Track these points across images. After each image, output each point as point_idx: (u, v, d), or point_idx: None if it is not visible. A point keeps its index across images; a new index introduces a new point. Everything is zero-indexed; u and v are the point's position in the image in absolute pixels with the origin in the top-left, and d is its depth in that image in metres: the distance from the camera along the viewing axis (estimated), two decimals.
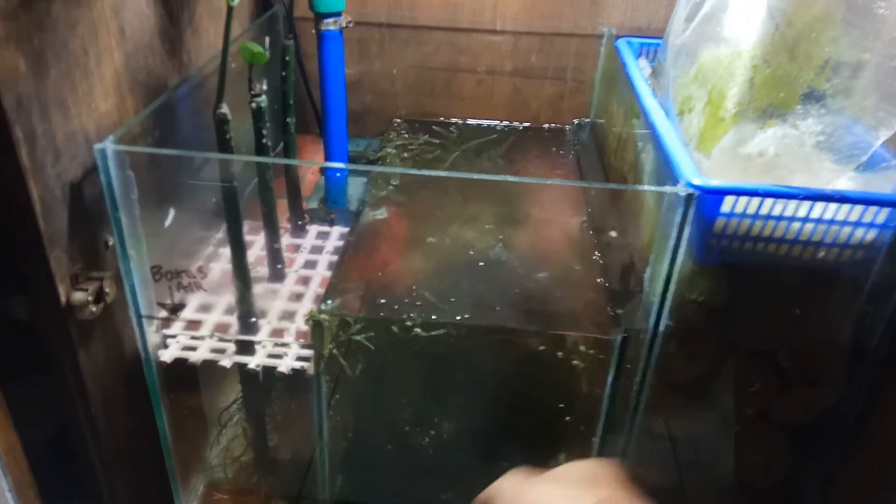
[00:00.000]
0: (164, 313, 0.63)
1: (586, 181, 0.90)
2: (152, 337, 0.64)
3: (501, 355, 0.65)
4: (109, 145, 0.54)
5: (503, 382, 0.67)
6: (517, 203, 0.83)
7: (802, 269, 0.58)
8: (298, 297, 0.72)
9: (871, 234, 0.55)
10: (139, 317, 0.63)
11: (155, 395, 0.68)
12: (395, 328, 0.64)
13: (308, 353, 0.67)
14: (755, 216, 0.55)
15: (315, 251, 0.80)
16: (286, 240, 0.81)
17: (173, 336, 0.68)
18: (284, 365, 0.67)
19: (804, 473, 0.67)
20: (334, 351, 0.66)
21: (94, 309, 0.56)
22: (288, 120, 0.78)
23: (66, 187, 0.54)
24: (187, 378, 0.72)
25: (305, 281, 0.75)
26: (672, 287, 0.57)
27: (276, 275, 0.74)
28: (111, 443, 0.65)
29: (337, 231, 0.84)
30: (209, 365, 0.69)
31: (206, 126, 0.60)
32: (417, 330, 0.63)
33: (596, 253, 0.72)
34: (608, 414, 0.66)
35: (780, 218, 0.55)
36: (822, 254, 0.56)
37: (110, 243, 0.61)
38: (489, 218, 0.81)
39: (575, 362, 0.63)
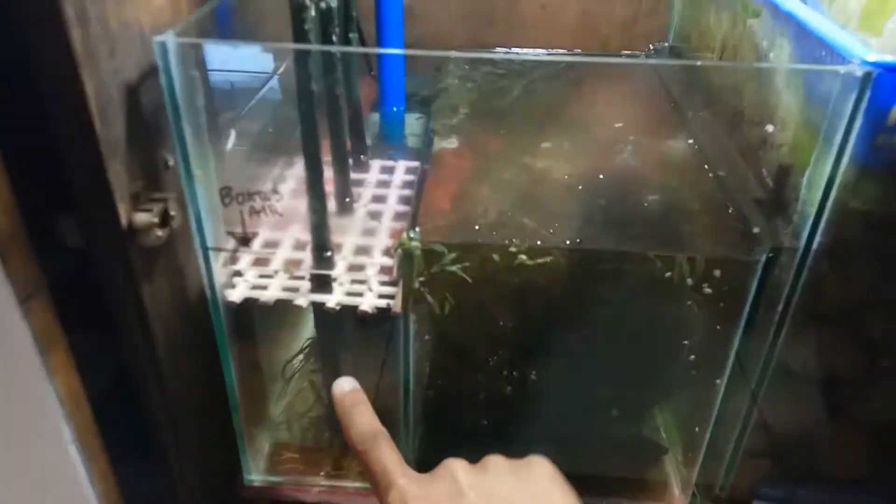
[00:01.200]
0: (233, 244, 0.55)
1: (686, 104, 0.80)
2: (220, 274, 0.57)
3: (616, 287, 0.57)
4: (171, 38, 0.46)
5: (618, 319, 0.59)
6: (607, 126, 0.74)
7: None
8: (371, 232, 0.64)
9: None
10: (205, 249, 0.55)
11: (222, 340, 0.60)
12: (495, 256, 0.55)
13: (391, 290, 0.60)
14: None
15: (381, 185, 0.71)
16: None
17: (240, 274, 0.61)
18: (367, 303, 0.59)
19: None
20: (421, 289, 0.58)
21: (159, 233, 0.48)
22: (350, 35, 0.69)
23: (123, 87, 0.46)
24: (256, 322, 0.65)
25: (376, 216, 0.66)
26: (833, 193, 0.48)
27: (344, 208, 0.66)
28: (177, 392, 0.58)
29: (402, 165, 0.76)
30: (280, 308, 0.61)
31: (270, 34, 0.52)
32: (522, 257, 0.55)
33: (712, 172, 0.63)
34: (740, 351, 0.57)
35: None
36: None
37: (171, 163, 0.53)
38: (578, 143, 0.72)
39: (707, 291, 0.55)
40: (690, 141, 0.70)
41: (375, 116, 0.90)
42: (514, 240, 0.55)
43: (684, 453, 0.69)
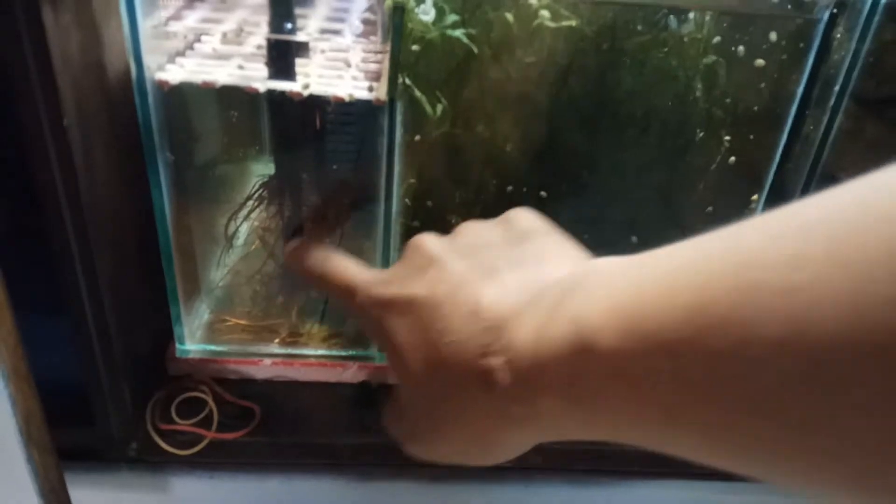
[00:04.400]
0: None
1: None
2: (150, 45, 0.43)
3: (650, 65, 0.47)
4: None
5: (656, 109, 0.49)
6: None
7: None
8: (339, 19, 0.52)
9: None
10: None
11: (149, 141, 0.46)
12: (509, 17, 0.45)
13: (371, 82, 0.48)
14: None
15: None
16: None
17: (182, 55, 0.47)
18: (342, 89, 0.47)
19: None
20: (416, 66, 0.46)
21: None
22: None
23: None
24: (197, 131, 0.51)
25: (343, 10, 0.54)
26: None
27: None
28: (91, 205, 0.43)
29: None
30: (231, 110, 0.48)
31: None
32: (544, 14, 0.44)
33: None
34: (787, 147, 0.49)
35: None
36: None
37: None
38: None
39: (758, 62, 0.46)
40: None
41: None
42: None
43: None
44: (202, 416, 0.54)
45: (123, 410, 0.52)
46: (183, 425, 0.54)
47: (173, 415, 0.54)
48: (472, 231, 0.33)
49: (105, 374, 0.49)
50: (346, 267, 0.36)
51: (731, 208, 0.53)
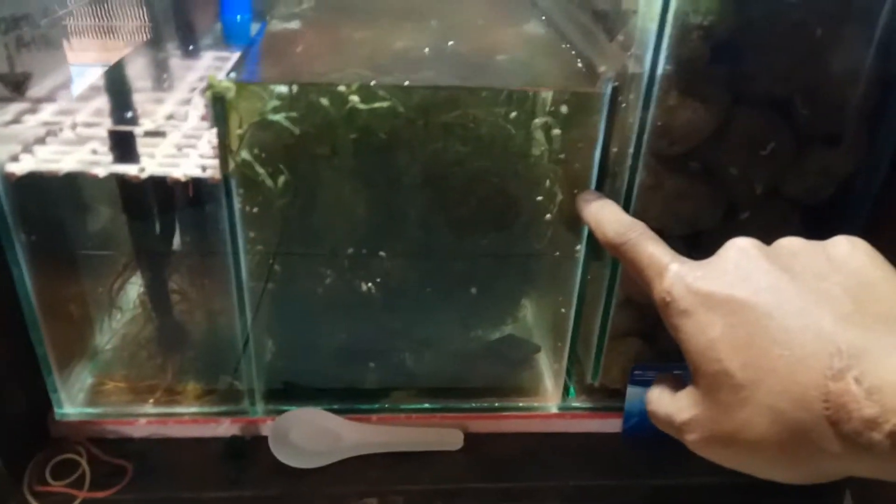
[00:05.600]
0: (2, 91, 0.46)
1: None
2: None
3: (462, 137, 0.52)
4: None
5: (467, 176, 0.54)
6: (456, 15, 0.69)
7: None
8: (188, 102, 0.56)
9: None
10: None
11: (4, 228, 0.50)
12: (324, 101, 0.49)
13: (212, 162, 0.52)
14: None
15: (212, 69, 0.64)
16: (175, 62, 0.65)
17: (29, 151, 0.51)
18: (181, 170, 0.51)
19: None
20: (245, 155, 0.50)
21: None
22: None
23: None
24: (54, 210, 0.55)
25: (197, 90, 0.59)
26: (672, 4, 0.45)
27: (161, 82, 0.58)
28: None
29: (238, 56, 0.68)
30: (81, 190, 0.52)
31: None
32: (354, 99, 0.49)
33: (565, 41, 0.60)
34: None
35: None
36: None
37: None
38: (428, 24, 0.67)
39: (554, 132, 0.51)
40: (543, 19, 0.66)
41: (218, 25, 0.83)
42: (343, 81, 0.49)
43: (554, 345, 0.65)
44: (75, 476, 0.57)
45: None
46: (56, 486, 0.56)
47: (47, 476, 0.57)
48: (793, 248, 0.32)
49: None
50: (655, 246, 0.35)
51: (561, 258, 0.57)
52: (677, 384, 0.34)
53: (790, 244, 0.32)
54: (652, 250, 0.35)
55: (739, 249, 0.32)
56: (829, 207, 0.56)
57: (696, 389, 0.31)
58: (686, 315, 0.30)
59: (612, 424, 0.64)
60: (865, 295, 0.28)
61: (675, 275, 0.32)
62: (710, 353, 0.29)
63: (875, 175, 0.54)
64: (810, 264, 0.30)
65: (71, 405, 0.61)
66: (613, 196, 0.53)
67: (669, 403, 0.33)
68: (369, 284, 0.59)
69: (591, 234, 0.55)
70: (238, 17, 0.81)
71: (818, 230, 0.57)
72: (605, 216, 0.40)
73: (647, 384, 0.63)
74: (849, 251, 0.30)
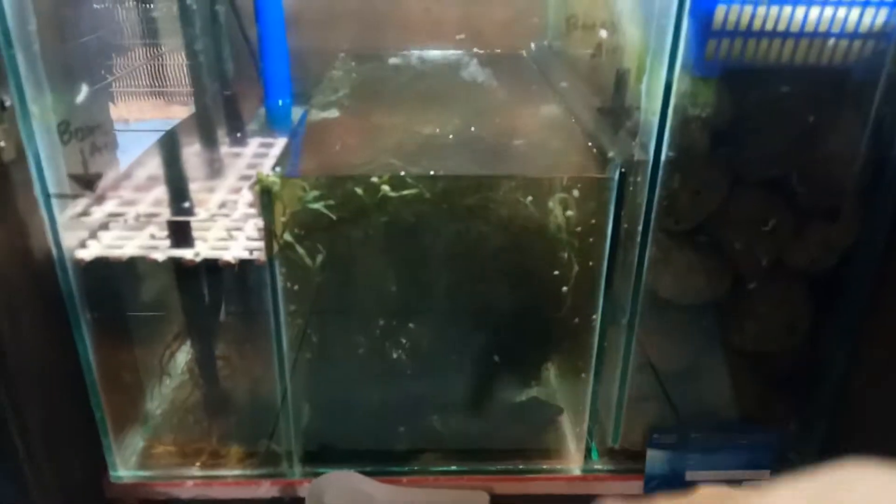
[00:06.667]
0: (76, 189, 0.52)
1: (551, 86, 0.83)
2: (69, 230, 0.53)
3: (483, 220, 0.56)
4: None
5: (489, 256, 0.58)
6: (480, 101, 0.75)
7: (810, 74, 0.52)
8: (240, 190, 0.62)
9: (882, 17, 0.50)
10: (46, 196, 0.52)
11: (73, 307, 0.56)
12: (359, 190, 0.55)
13: (258, 244, 0.57)
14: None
15: (258, 157, 0.70)
16: (224, 149, 0.72)
17: (94, 237, 0.57)
18: (231, 253, 0.57)
19: (828, 331, 0.60)
20: (287, 237, 0.56)
21: None
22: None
23: None
24: (115, 290, 0.61)
25: (249, 178, 0.65)
26: (672, 99, 0.50)
27: (214, 170, 0.64)
28: (20, 370, 0.53)
29: (282, 142, 0.75)
30: (146, 277, 0.58)
31: None
32: (385, 189, 0.54)
33: (579, 125, 0.65)
34: (609, 275, 0.58)
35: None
36: (830, 45, 0.50)
37: (7, 104, 0.50)
38: (455, 115, 0.73)
39: (568, 213, 0.55)
40: (561, 107, 0.72)
41: (262, 110, 0.90)
42: (376, 172, 0.55)
43: (576, 408, 0.68)
44: None
45: None
46: None
47: None
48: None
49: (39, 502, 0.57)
50: None
51: (580, 325, 0.61)
52: None
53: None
54: None
55: None
56: (834, 276, 0.59)
57: None
58: None
59: (634, 486, 0.66)
60: None
61: None
62: None
63: (875, 245, 0.57)
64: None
65: (124, 468, 0.65)
66: (626, 269, 0.57)
67: None
68: (399, 352, 0.63)
69: (605, 302, 0.59)
70: (280, 102, 0.89)
71: (823, 298, 0.60)
72: None
73: (666, 447, 0.66)
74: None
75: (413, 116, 0.70)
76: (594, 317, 0.60)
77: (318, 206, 0.54)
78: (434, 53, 0.99)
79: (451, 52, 1.00)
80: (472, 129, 0.65)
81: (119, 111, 0.67)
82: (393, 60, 0.95)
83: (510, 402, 0.70)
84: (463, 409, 0.69)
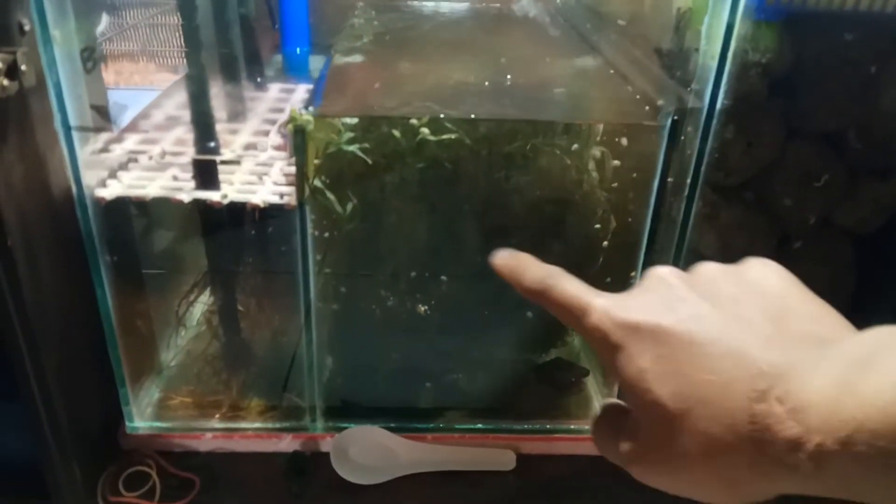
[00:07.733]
0: (99, 122, 0.49)
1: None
2: (89, 167, 0.51)
3: (524, 167, 0.54)
4: None
5: (527, 207, 0.56)
6: (512, 50, 0.72)
7: (875, 22, 0.49)
8: (265, 133, 0.59)
9: None
10: (67, 129, 0.49)
11: (91, 249, 0.53)
12: (396, 133, 0.52)
13: (286, 189, 0.55)
14: None
15: (280, 101, 0.67)
16: (247, 93, 0.69)
17: (114, 176, 0.55)
18: (259, 196, 0.54)
19: (872, 294, 0.59)
20: (317, 182, 0.53)
21: (5, 83, 0.42)
22: None
23: None
24: (136, 232, 0.58)
25: (272, 122, 0.62)
26: (733, 42, 0.48)
27: (237, 113, 0.61)
28: (38, 311, 0.50)
29: (303, 88, 0.72)
30: (167, 219, 0.56)
31: None
32: (424, 131, 0.52)
33: (619, 75, 0.62)
34: (652, 230, 0.56)
35: None
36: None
37: (27, 27, 0.47)
38: (487, 64, 0.70)
39: (615, 163, 0.53)
40: (597, 57, 0.69)
41: (279, 57, 0.87)
42: (415, 114, 0.52)
43: (602, 370, 0.66)
44: (147, 487, 0.60)
45: (74, 485, 0.57)
46: (129, 497, 0.59)
47: (120, 488, 0.60)
48: (717, 278, 0.31)
49: (56, 454, 0.55)
50: (575, 287, 0.34)
51: (613, 283, 0.59)
52: (621, 413, 0.33)
53: (707, 270, 0.32)
54: (574, 290, 0.34)
55: (660, 279, 0.32)
56: (880, 238, 0.57)
57: (634, 420, 0.31)
58: (617, 349, 0.30)
59: None
60: (783, 316, 0.29)
61: (602, 309, 0.32)
62: (641, 383, 0.29)
63: None
64: (728, 289, 0.30)
65: (141, 419, 0.63)
66: (669, 225, 0.55)
67: (612, 434, 0.32)
68: (426, 307, 0.61)
69: (646, 262, 0.57)
70: (298, 49, 0.85)
71: (869, 260, 0.58)
72: (521, 265, 0.39)
73: None
74: (762, 274, 0.31)
75: (443, 64, 0.67)
76: (632, 273, 0.58)
77: (352, 148, 0.52)
78: (454, 4, 0.96)
79: (467, 4, 0.97)
80: (508, 76, 0.62)
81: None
82: (412, 6, 0.92)
83: (535, 361, 0.69)
84: (489, 367, 0.67)
